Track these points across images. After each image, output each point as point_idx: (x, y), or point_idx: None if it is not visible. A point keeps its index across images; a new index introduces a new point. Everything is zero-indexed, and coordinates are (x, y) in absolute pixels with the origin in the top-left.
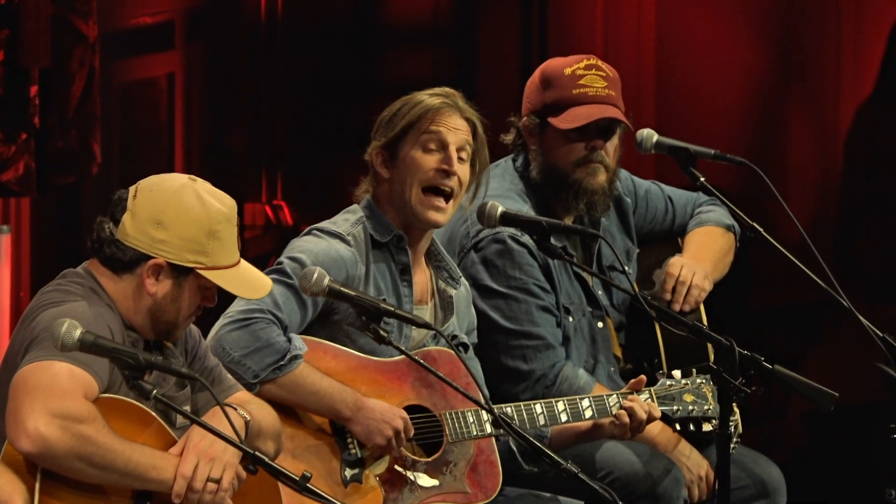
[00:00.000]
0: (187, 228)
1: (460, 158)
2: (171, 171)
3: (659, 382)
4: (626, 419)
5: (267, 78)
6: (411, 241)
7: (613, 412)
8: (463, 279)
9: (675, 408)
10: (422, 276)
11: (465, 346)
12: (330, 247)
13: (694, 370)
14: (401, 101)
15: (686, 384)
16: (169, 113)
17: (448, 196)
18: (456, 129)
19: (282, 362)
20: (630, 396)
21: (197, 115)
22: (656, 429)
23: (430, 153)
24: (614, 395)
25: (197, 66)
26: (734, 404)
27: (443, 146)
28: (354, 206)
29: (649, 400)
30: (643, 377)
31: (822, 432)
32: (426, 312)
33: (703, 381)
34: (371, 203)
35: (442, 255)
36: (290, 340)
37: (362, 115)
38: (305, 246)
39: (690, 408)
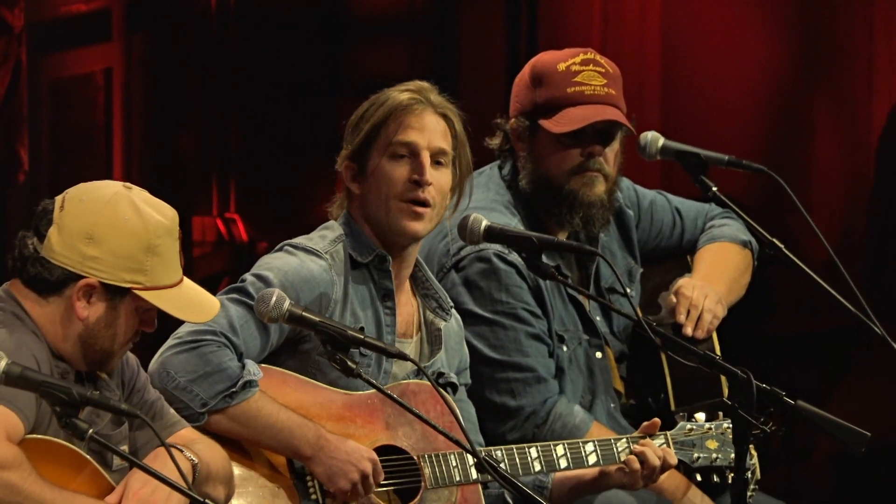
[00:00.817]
0: (122, 243)
1: (438, 162)
2: (109, 179)
3: (678, 426)
4: (637, 466)
5: (218, 74)
6: (392, 263)
7: (622, 458)
8: (454, 311)
9: (695, 455)
10: (407, 307)
11: (454, 387)
12: (302, 265)
13: (720, 412)
14: (368, 102)
15: (709, 428)
16: (106, 113)
17: (426, 205)
18: (428, 129)
19: (233, 389)
20: (642, 441)
21: (138, 116)
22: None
23: (400, 162)
24: (623, 439)
25: (138, 60)
26: (751, 446)
27: (413, 152)
28: (332, 223)
29: (664, 445)
30: (657, 420)
31: (852, 477)
32: (410, 347)
33: (730, 425)
34: (349, 219)
35: (431, 283)
36: (244, 366)
37: (327, 117)
38: (274, 263)
39: (714, 456)
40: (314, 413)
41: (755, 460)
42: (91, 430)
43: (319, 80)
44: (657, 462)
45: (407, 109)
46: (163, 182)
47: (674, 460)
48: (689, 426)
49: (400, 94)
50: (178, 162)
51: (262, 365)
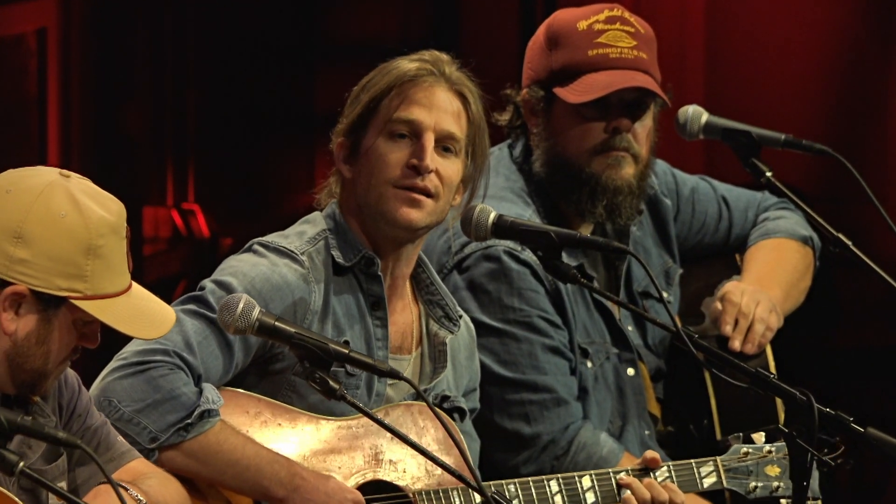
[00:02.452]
0: (58, 244)
1: (445, 148)
2: (43, 164)
3: (731, 449)
4: None
5: (173, 37)
6: (385, 263)
7: (623, 496)
8: (465, 321)
9: (752, 484)
10: (405, 315)
11: (461, 412)
12: (273, 269)
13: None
14: (375, 70)
15: (770, 451)
16: (40, 84)
17: (427, 194)
18: (437, 107)
19: (188, 420)
20: (645, 480)
21: (78, 88)
22: None
23: (399, 143)
24: (623, 473)
25: (78, 19)
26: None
27: (415, 132)
28: (315, 215)
29: (668, 480)
30: (657, 457)
31: None
32: (408, 365)
33: None
34: (336, 212)
35: (436, 286)
36: (201, 392)
37: (304, 89)
38: (240, 267)
39: (775, 484)
40: (286, 447)
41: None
42: (22, 464)
43: (294, 45)
44: (648, 498)
45: (414, 81)
46: (107, 166)
47: (680, 499)
48: (744, 449)
49: (409, 63)
50: (125, 142)
51: (226, 388)
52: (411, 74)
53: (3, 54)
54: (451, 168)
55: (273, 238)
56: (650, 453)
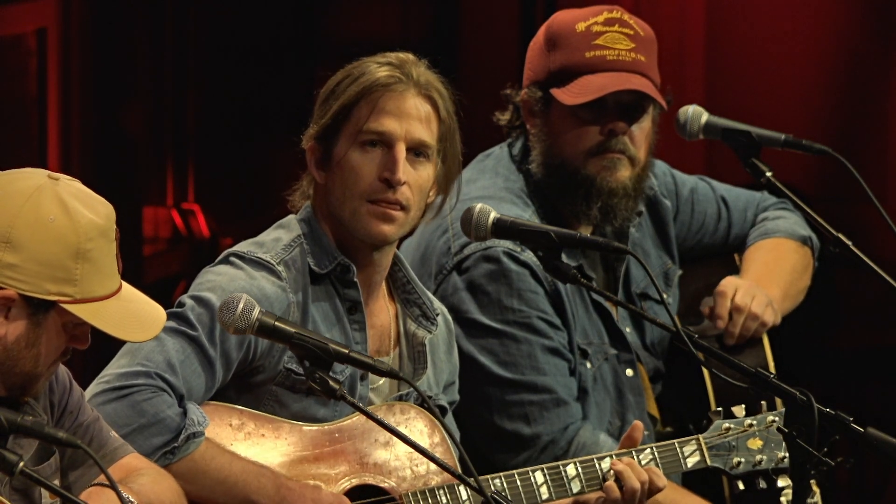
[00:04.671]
0: (46, 248)
1: (417, 153)
2: (43, 164)
3: (713, 425)
4: (617, 493)
5: (174, 37)
6: (360, 269)
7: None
8: (443, 316)
9: (735, 460)
10: (381, 317)
11: (443, 410)
12: (251, 283)
13: (763, 403)
14: (343, 73)
15: (751, 424)
16: (39, 83)
17: (398, 206)
18: (407, 115)
19: (175, 443)
20: (625, 459)
21: (78, 88)
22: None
23: (370, 152)
24: (607, 458)
25: (78, 19)
26: (812, 481)
27: (387, 143)
28: (290, 219)
29: (652, 462)
30: (638, 423)
31: None
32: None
33: (776, 418)
34: (311, 215)
35: (413, 285)
36: (185, 413)
37: (304, 89)
38: (218, 281)
39: (758, 457)
40: (271, 457)
41: (818, 498)
42: (22, 464)
43: (294, 44)
44: (637, 484)
45: (384, 90)
46: (107, 166)
47: (662, 482)
48: (725, 424)
49: (379, 68)
50: (125, 142)
51: (209, 402)
52: (382, 82)
53: (3, 54)
54: (423, 174)
55: (248, 248)
56: (631, 431)
